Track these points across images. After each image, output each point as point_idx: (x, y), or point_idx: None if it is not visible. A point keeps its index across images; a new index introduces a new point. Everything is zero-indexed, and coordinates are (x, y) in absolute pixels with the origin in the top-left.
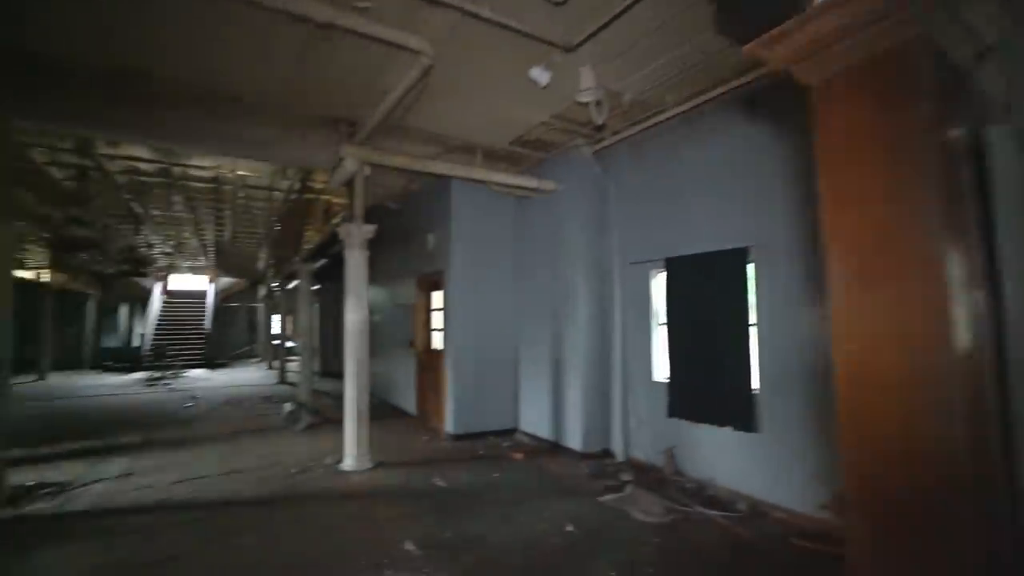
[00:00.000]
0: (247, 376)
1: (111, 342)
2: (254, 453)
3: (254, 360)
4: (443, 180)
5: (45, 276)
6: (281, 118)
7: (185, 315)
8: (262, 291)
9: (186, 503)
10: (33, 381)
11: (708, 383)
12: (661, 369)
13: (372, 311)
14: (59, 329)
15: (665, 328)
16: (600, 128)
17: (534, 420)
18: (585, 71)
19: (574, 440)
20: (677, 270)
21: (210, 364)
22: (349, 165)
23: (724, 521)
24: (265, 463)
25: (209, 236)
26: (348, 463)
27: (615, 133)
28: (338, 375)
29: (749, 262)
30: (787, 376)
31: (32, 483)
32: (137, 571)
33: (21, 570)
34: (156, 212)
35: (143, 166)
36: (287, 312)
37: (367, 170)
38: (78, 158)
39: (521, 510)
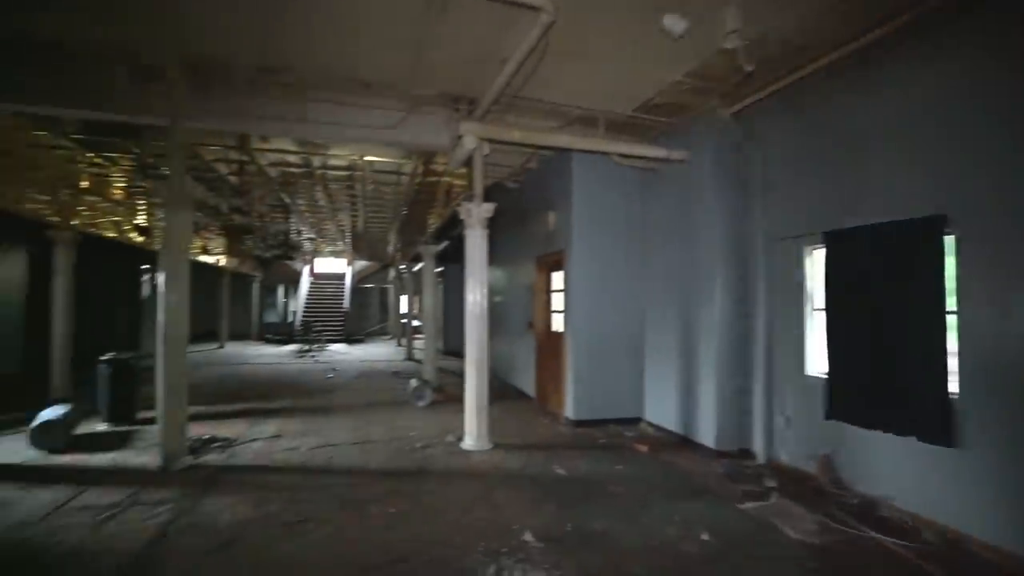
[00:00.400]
0: (379, 352)
1: (270, 318)
2: (383, 425)
3: (386, 337)
4: (563, 157)
5: (222, 261)
6: (405, 100)
7: (327, 295)
8: (392, 273)
9: (324, 467)
10: (215, 348)
11: (882, 382)
12: (816, 363)
13: (492, 292)
14: (233, 306)
15: (823, 315)
16: (743, 81)
17: (660, 410)
18: (731, 10)
19: (706, 436)
20: (841, 245)
21: (348, 340)
22: (468, 143)
23: (905, 552)
24: (392, 435)
25: (345, 223)
26: (468, 442)
27: (760, 89)
28: (460, 354)
29: (946, 234)
30: (1003, 378)
31: (207, 436)
32: (279, 528)
33: (194, 512)
34: (301, 201)
35: (290, 158)
36: (413, 293)
37: (486, 148)
38: (238, 154)
39: (648, 509)
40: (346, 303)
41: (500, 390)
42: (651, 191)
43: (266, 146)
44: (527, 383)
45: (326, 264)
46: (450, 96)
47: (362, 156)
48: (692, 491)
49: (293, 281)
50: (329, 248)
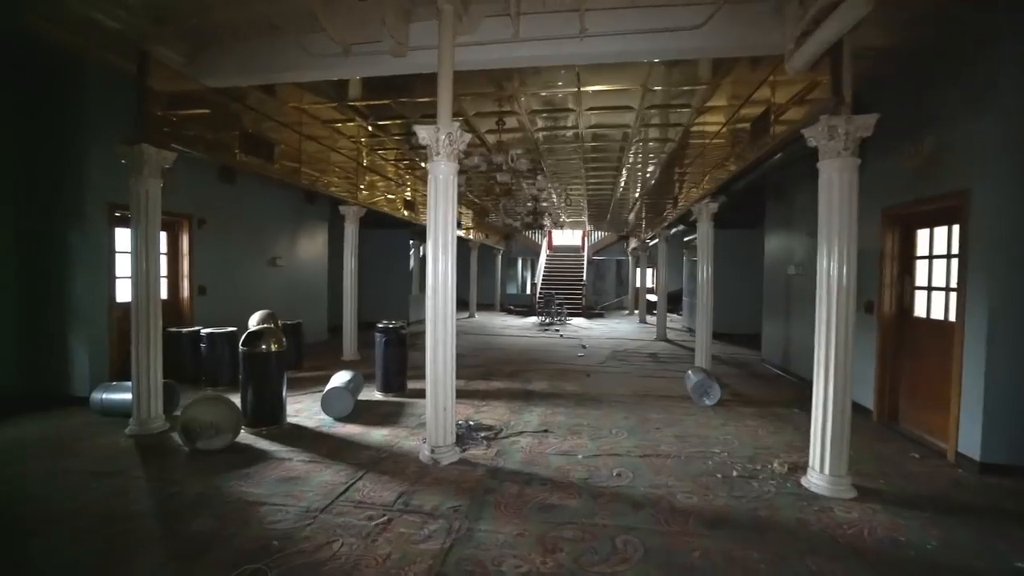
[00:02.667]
0: (623, 329)
1: (511, 289)
2: (669, 429)
3: (624, 312)
4: (966, 40)
5: (471, 234)
6: None
7: (565, 268)
8: (632, 243)
9: (614, 491)
10: (467, 317)
11: None
12: None
13: (782, 261)
14: (480, 277)
15: None
16: None
17: None
18: None
19: None
20: None
21: (587, 314)
22: (844, 17)
23: None
24: (688, 448)
25: (581, 191)
26: (816, 479)
27: None
28: (724, 336)
29: None
30: None
31: (471, 423)
32: None
33: (471, 539)
34: (551, 161)
35: (547, 108)
36: (653, 265)
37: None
38: (498, 104)
39: None
40: (584, 276)
41: (790, 387)
42: None
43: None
44: (858, 387)
45: (564, 237)
46: None
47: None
48: None
49: (533, 254)
50: (570, 219)
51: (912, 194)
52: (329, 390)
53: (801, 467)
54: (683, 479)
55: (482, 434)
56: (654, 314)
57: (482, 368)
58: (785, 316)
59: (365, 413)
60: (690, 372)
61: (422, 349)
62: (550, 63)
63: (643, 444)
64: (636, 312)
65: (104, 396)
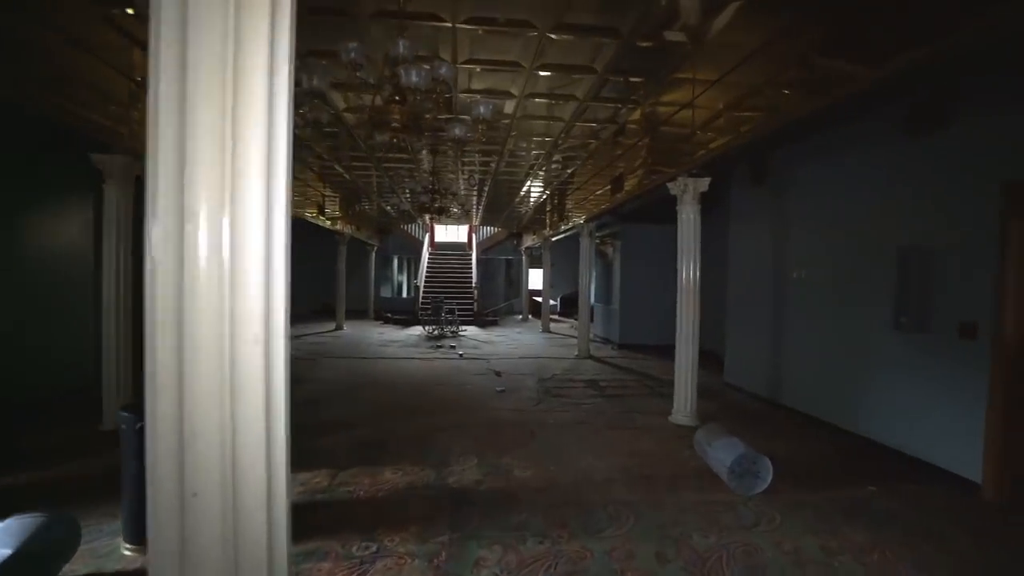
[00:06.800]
0: (528, 340)
1: (385, 292)
2: None
3: (517, 317)
4: None
5: (340, 225)
6: None
7: (451, 267)
8: (528, 241)
9: None
10: (333, 330)
11: None
12: None
13: (776, 259)
14: (349, 278)
15: None
16: None
17: None
18: None
19: None
20: None
21: (480, 321)
22: None
23: None
24: None
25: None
26: None
27: None
28: (637, 348)
29: None
30: None
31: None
32: None
33: None
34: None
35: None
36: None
37: None
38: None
39: None
40: (474, 277)
41: (829, 441)
42: None
43: None
44: (946, 448)
45: (448, 233)
46: None
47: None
48: None
49: (411, 252)
50: (455, 208)
51: None
52: None
53: None
54: None
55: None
56: (554, 319)
57: (356, 431)
58: (772, 331)
59: None
60: (704, 435)
61: None
62: None
63: None
64: (531, 318)
65: None
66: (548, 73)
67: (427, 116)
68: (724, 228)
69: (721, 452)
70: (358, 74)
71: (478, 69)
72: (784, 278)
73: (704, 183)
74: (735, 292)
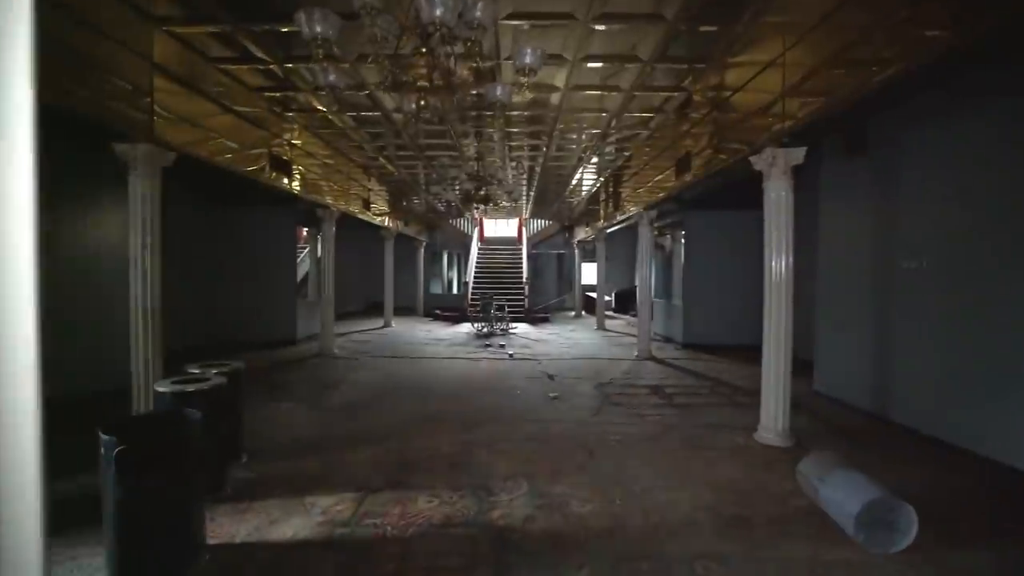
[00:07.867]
0: (583, 339)
1: (435, 288)
2: None
3: (570, 313)
4: None
5: (388, 221)
6: None
7: (501, 263)
8: (580, 234)
9: None
10: (380, 327)
11: None
12: None
13: (878, 244)
14: (397, 274)
15: None
16: None
17: None
18: None
19: None
20: None
21: (532, 319)
22: None
23: None
24: None
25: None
26: None
27: None
28: (706, 348)
29: None
30: None
31: None
32: None
33: None
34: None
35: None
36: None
37: None
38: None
39: None
40: (524, 272)
41: (972, 476)
42: None
43: None
44: None
45: (497, 227)
46: None
47: None
48: None
49: (461, 247)
50: (505, 203)
51: None
52: None
53: None
54: None
55: None
56: (609, 316)
57: (390, 444)
58: (878, 331)
59: None
60: (814, 467)
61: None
62: None
63: None
64: (584, 314)
65: None
66: (604, 27)
67: (463, 72)
68: (809, 210)
69: (841, 493)
70: (377, 23)
71: (525, 25)
72: (891, 267)
73: (799, 154)
74: (827, 284)
